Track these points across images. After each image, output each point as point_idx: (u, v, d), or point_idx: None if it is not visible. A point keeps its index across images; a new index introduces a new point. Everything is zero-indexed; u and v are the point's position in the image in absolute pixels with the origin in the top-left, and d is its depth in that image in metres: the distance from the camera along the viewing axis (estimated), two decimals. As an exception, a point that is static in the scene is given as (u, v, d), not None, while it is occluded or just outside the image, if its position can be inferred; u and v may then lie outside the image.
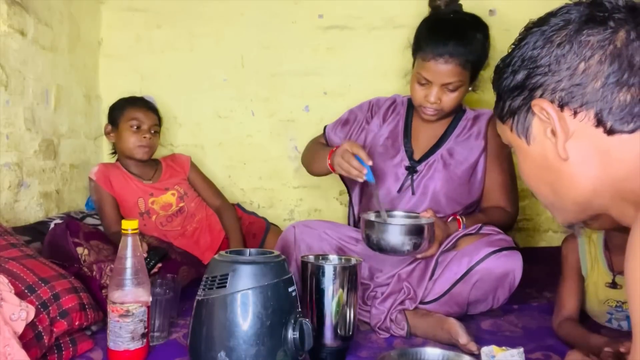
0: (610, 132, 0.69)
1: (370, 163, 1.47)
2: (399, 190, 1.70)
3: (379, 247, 1.44)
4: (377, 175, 1.73)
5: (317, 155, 1.76)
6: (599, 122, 0.70)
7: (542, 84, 0.72)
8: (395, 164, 1.73)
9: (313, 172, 1.83)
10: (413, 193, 1.69)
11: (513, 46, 0.78)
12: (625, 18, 0.69)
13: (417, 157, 1.73)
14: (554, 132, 0.72)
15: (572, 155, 0.72)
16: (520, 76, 0.75)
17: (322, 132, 1.95)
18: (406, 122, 1.79)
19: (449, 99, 1.61)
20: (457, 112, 1.74)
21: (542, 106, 0.72)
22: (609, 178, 0.71)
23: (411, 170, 1.71)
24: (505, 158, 1.70)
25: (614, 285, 1.40)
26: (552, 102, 0.72)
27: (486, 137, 1.70)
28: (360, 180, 1.50)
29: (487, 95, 2.16)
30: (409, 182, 1.70)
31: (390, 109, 1.84)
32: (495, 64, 0.84)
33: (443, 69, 1.55)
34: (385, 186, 1.72)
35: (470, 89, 1.66)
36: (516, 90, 0.76)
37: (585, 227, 1.38)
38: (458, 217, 1.60)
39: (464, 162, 1.69)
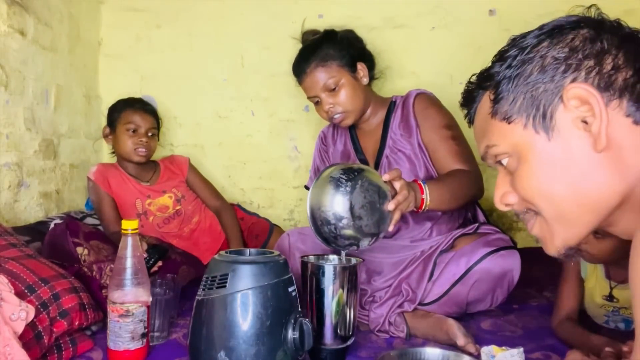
0: (637, 122, 0.70)
1: None
2: None
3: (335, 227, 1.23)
4: None
5: None
6: (629, 112, 0.70)
7: (573, 72, 0.71)
8: None
9: None
10: None
11: (518, 48, 0.76)
12: (632, 31, 0.74)
13: (371, 166, 1.72)
14: (586, 122, 0.70)
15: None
16: (546, 65, 0.73)
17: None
18: (352, 137, 1.80)
19: (342, 97, 1.64)
20: (387, 106, 1.73)
21: (584, 87, 0.70)
22: (634, 173, 0.70)
23: None
24: (443, 125, 1.63)
25: (610, 298, 1.40)
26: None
27: (414, 114, 1.67)
28: None
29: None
30: None
31: (334, 132, 1.87)
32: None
33: (311, 79, 1.65)
34: None
35: (366, 80, 1.68)
36: (541, 75, 0.73)
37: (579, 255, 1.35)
38: (418, 182, 1.41)
39: (409, 149, 1.66)
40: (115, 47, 2.46)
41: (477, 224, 1.59)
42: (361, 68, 1.68)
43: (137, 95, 2.16)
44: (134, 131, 1.98)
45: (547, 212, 0.76)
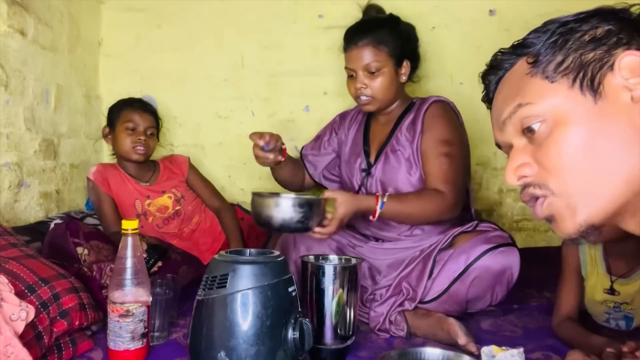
0: None
1: (261, 143, 1.59)
2: (357, 192, 1.70)
3: (268, 224, 1.41)
4: (346, 183, 1.79)
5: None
6: None
7: (625, 44, 0.71)
8: (357, 168, 1.75)
9: (284, 186, 1.99)
10: (368, 194, 1.65)
11: (558, 23, 0.75)
12: None
13: (372, 158, 1.73)
14: (632, 96, 0.69)
15: None
16: (598, 35, 0.72)
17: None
18: (366, 126, 1.80)
19: (376, 84, 1.64)
20: (406, 105, 1.73)
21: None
22: None
23: (366, 171, 1.72)
24: (443, 140, 1.62)
25: (611, 291, 1.40)
26: None
27: (423, 120, 1.66)
28: (267, 151, 1.62)
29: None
30: (364, 184, 1.72)
31: (353, 117, 1.88)
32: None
33: (358, 53, 1.64)
34: (353, 191, 1.73)
35: (404, 78, 1.69)
36: (592, 43, 0.72)
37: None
38: (377, 194, 1.53)
39: (408, 152, 1.66)
40: (115, 47, 2.46)
41: (475, 222, 1.59)
42: (405, 65, 1.69)
43: (137, 95, 2.15)
44: (133, 129, 1.98)
45: (575, 184, 0.71)
